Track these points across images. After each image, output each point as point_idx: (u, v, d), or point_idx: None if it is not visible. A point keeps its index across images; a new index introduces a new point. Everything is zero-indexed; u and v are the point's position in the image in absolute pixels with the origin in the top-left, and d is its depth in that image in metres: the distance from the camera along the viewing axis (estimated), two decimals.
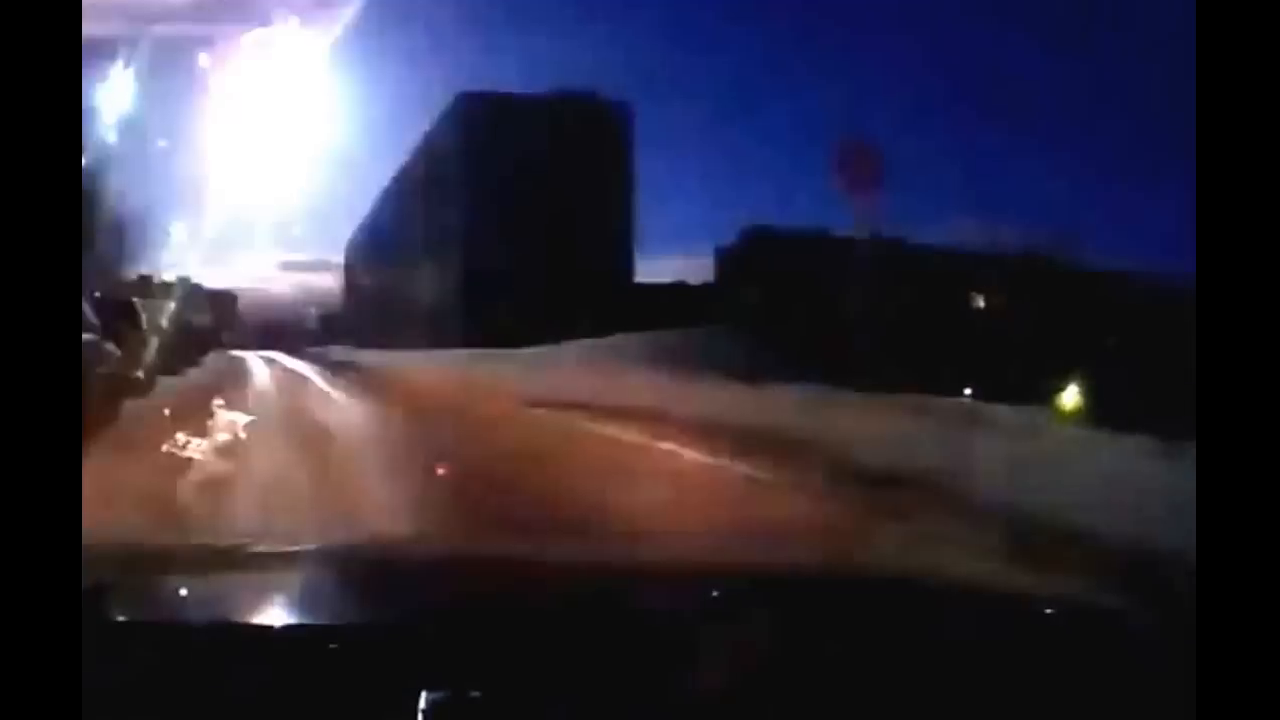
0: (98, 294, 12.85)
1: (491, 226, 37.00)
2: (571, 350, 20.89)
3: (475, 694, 0.98)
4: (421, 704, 0.96)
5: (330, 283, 60.32)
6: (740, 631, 1.23)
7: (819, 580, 1.69)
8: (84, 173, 20.31)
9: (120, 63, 18.65)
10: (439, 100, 41.06)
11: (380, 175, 49.77)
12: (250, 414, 11.30)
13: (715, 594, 1.53)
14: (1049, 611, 1.48)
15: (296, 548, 2.03)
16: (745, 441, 8.88)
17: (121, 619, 1.24)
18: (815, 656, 1.14)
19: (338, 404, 14.47)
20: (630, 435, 9.76)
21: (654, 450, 8.81)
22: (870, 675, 1.09)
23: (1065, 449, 7.59)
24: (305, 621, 1.30)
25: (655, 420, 10.50)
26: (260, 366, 26.85)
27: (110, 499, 4.60)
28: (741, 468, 7.72)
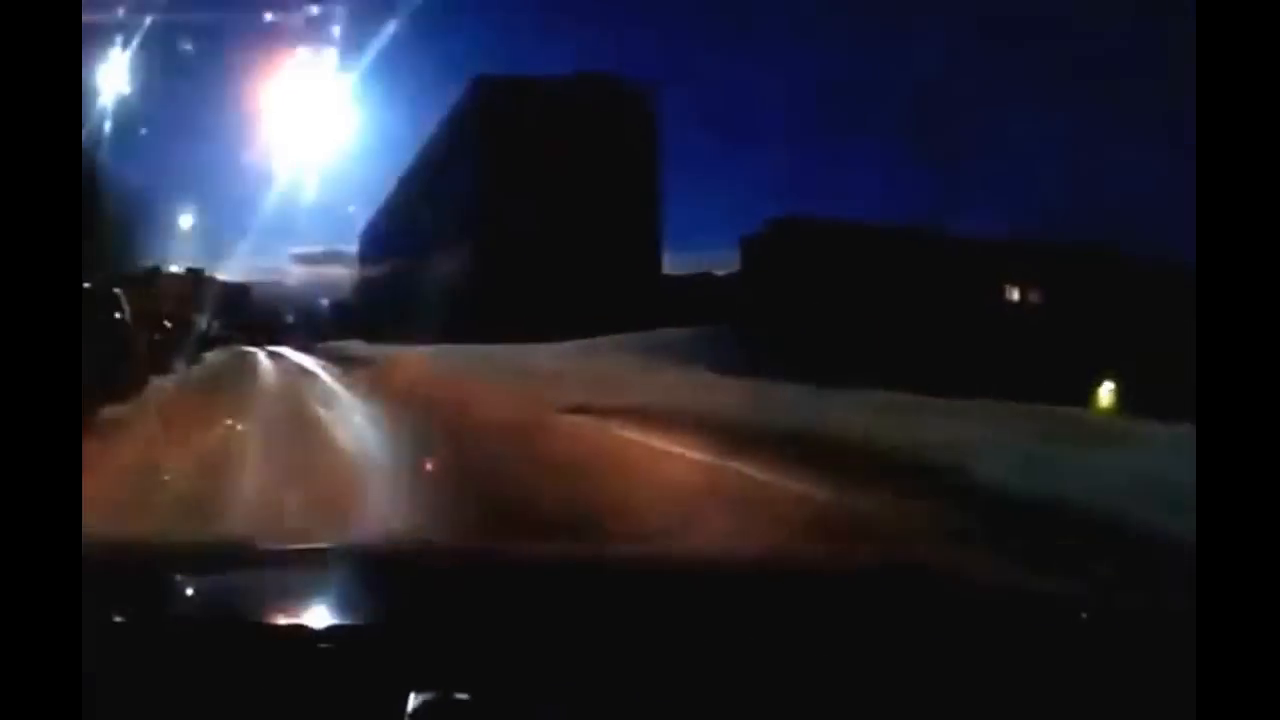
0: (86, 285, 11.61)
1: (510, 215, 35.65)
2: (601, 346, 19.39)
3: (463, 696, 0.98)
4: (410, 705, 0.97)
5: (343, 274, 59.29)
6: (734, 634, 1.24)
7: (817, 574, 1.75)
8: (89, 160, 19.37)
9: (124, 48, 17.78)
10: (456, 84, 39.81)
11: (395, 163, 48.57)
12: (247, 422, 9.97)
13: (709, 593, 1.54)
14: (1049, 609, 1.50)
15: (287, 548, 2.02)
16: (831, 461, 7.34)
17: (114, 617, 1.20)
18: (811, 656, 1.15)
19: (347, 411, 12.94)
20: (690, 451, 8.17)
21: (723, 472, 7.21)
22: (873, 674, 1.09)
23: None
24: (295, 621, 1.27)
25: (709, 430, 8.94)
26: (267, 363, 25.53)
27: None
28: (828, 495, 6.24)
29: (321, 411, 12.10)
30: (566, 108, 35.51)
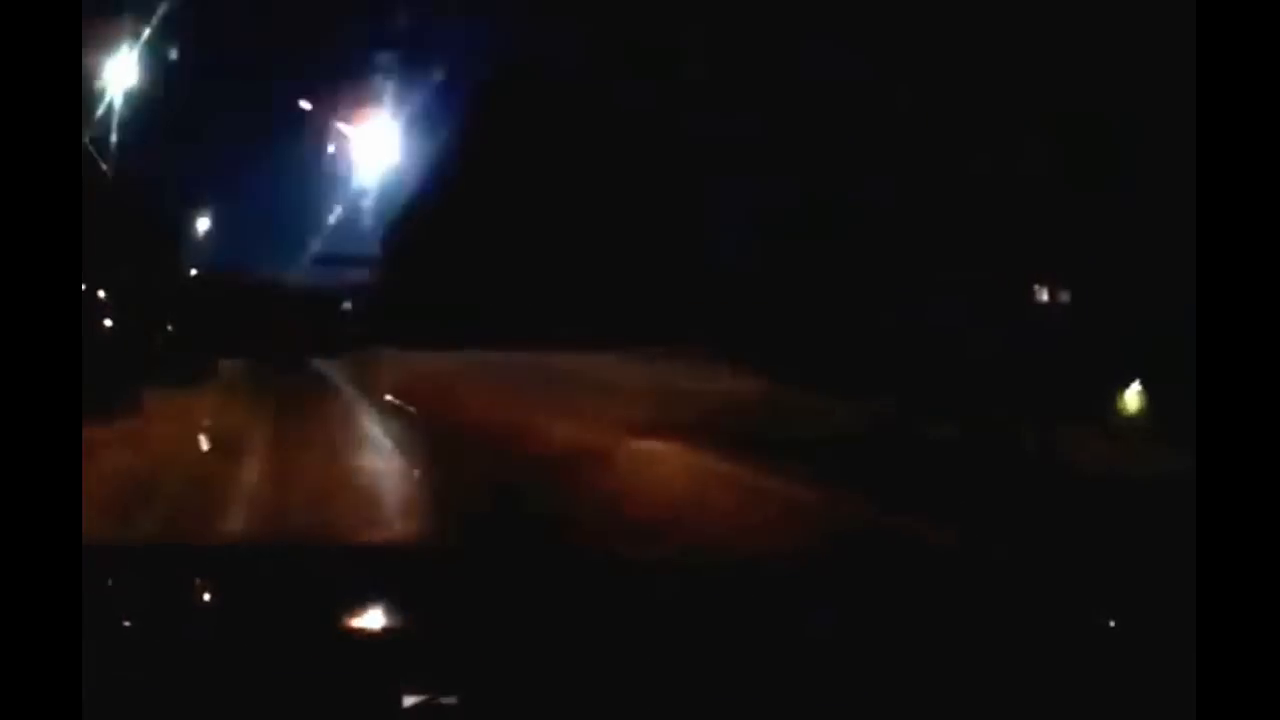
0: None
1: (537, 214, 35.00)
2: (651, 355, 17.52)
3: (451, 699, 1.00)
4: (403, 705, 0.98)
5: (368, 278, 59.21)
6: (729, 636, 1.25)
7: (821, 573, 1.84)
8: (102, 163, 19.11)
9: (146, 54, 17.59)
10: (479, 80, 39.23)
11: (415, 165, 48.05)
12: (256, 455, 9.04)
13: (702, 595, 1.51)
14: (1048, 607, 1.60)
15: (283, 548, 2.15)
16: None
17: (111, 619, 1.20)
18: (812, 656, 1.15)
19: (373, 432, 11.81)
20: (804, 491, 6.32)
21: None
22: (874, 673, 1.11)
23: None
24: (291, 623, 1.27)
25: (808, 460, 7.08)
26: (283, 373, 24.61)
27: None
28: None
29: (339, 435, 11.06)
30: (590, 108, 34.85)
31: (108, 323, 10.82)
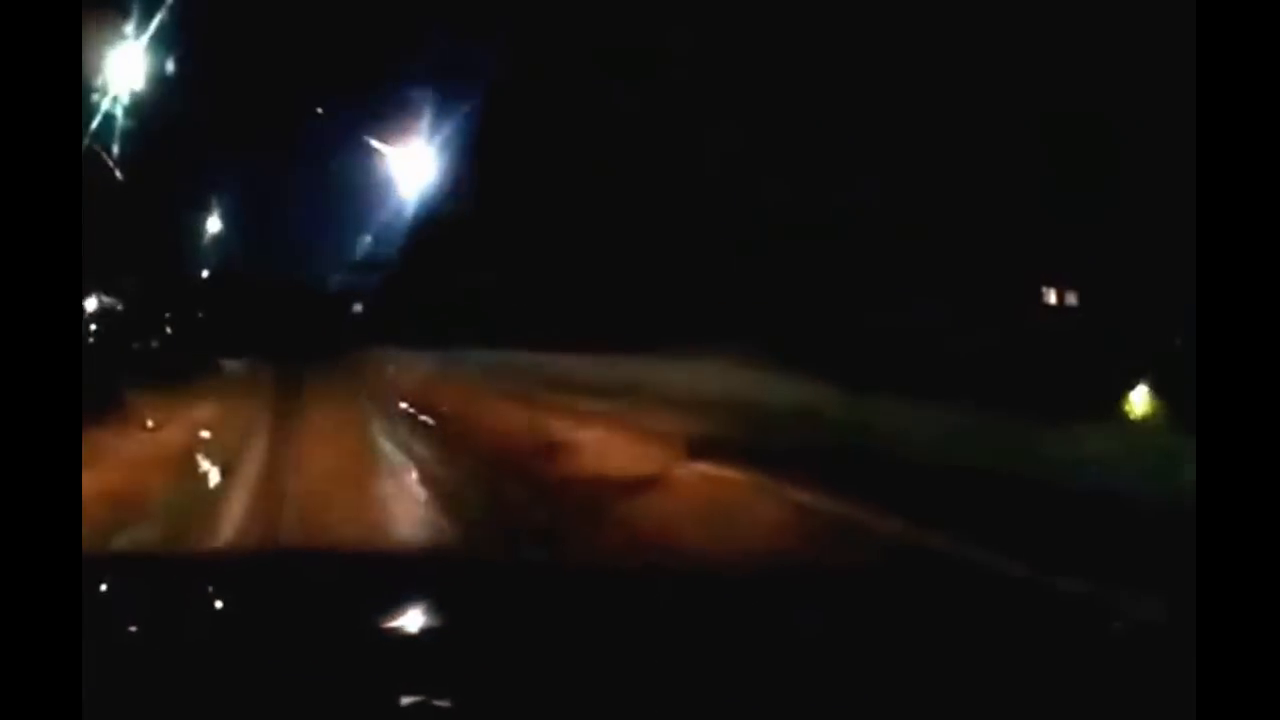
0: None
1: (545, 215, 34.92)
2: (674, 358, 16.07)
3: (444, 702, 1.00)
4: (400, 706, 0.99)
5: (380, 281, 59.34)
6: (725, 640, 1.24)
7: (811, 578, 1.84)
8: (109, 166, 19.18)
9: (157, 55, 17.67)
10: (488, 86, 39.25)
11: (431, 168, 47.98)
12: (243, 472, 8.66)
13: (697, 600, 1.49)
14: (1049, 607, 1.61)
15: (281, 551, 2.18)
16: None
17: (111, 621, 1.22)
18: (806, 660, 1.14)
19: (385, 447, 11.23)
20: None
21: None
22: (873, 670, 1.10)
23: None
24: (286, 627, 1.27)
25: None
26: (287, 373, 24.34)
27: None
28: None
29: (344, 458, 10.12)
30: (593, 110, 34.76)
31: (94, 326, 10.77)
